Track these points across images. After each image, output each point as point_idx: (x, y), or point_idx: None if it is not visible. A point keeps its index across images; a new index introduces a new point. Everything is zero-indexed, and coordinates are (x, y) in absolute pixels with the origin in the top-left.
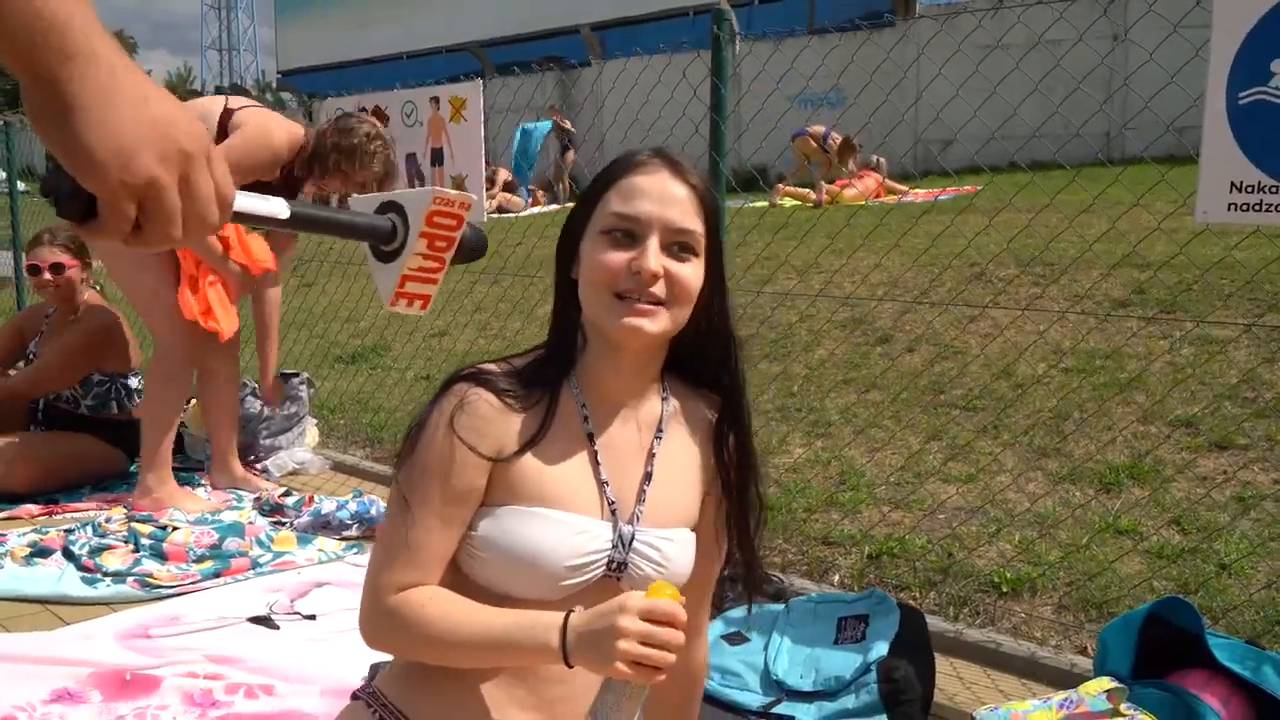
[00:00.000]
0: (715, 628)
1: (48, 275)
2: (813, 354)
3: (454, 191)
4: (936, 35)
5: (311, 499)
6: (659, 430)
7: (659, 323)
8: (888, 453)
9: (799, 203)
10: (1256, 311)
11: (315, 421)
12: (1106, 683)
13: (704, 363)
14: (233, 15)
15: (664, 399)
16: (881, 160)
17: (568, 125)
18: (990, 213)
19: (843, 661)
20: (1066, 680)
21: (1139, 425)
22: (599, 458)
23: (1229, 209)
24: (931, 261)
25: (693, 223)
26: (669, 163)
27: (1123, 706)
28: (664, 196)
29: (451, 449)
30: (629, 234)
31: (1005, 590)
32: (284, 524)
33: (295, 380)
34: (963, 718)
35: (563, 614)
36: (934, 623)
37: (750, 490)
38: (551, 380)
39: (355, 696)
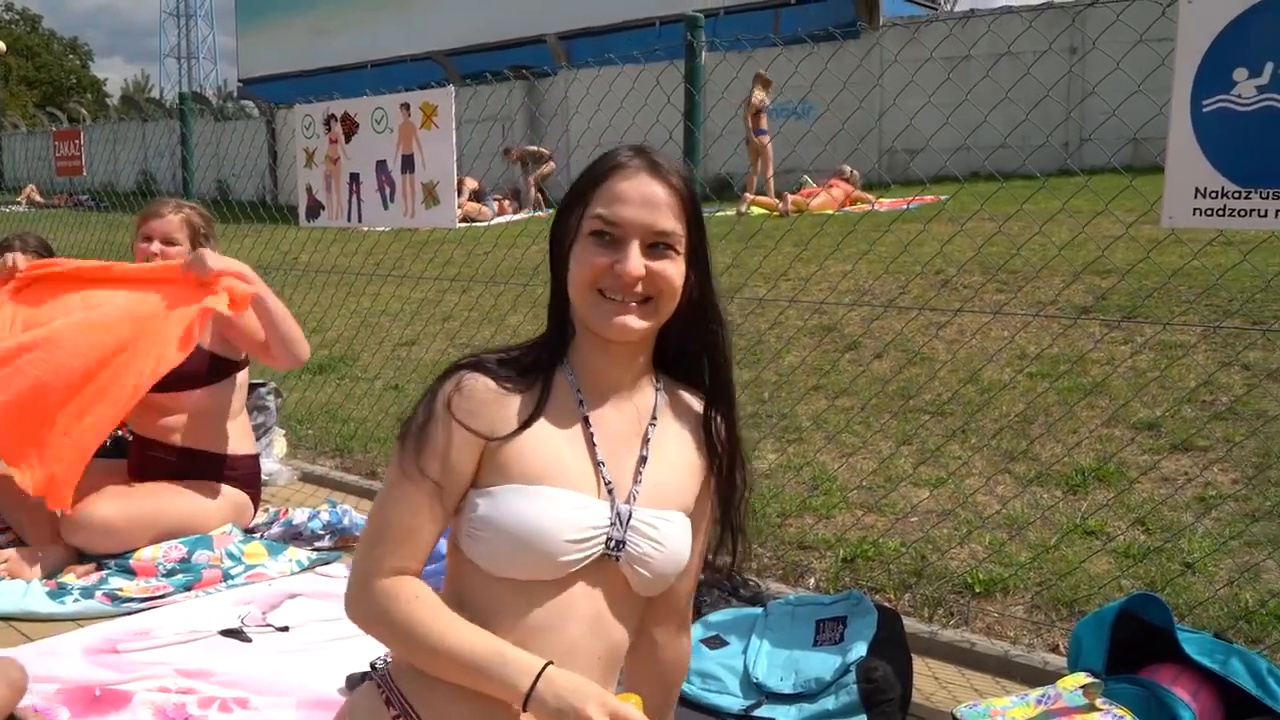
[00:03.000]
0: (695, 632)
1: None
2: (783, 361)
3: None
4: (904, 47)
5: (285, 511)
6: (653, 417)
7: (643, 320)
8: (860, 457)
9: (767, 212)
10: (1214, 317)
11: (283, 432)
12: (1082, 678)
13: (692, 352)
14: (192, 23)
15: (656, 389)
16: (855, 172)
17: (539, 149)
18: (956, 221)
19: (822, 663)
20: (1040, 678)
21: (1103, 428)
22: (594, 439)
23: (1194, 214)
24: (899, 269)
25: (673, 223)
26: (650, 164)
27: (1098, 701)
28: (645, 200)
29: (448, 430)
30: (612, 237)
31: (978, 591)
32: (255, 535)
33: (262, 390)
34: (940, 716)
35: (541, 664)
36: (909, 624)
37: (737, 473)
38: (546, 365)
39: (367, 677)
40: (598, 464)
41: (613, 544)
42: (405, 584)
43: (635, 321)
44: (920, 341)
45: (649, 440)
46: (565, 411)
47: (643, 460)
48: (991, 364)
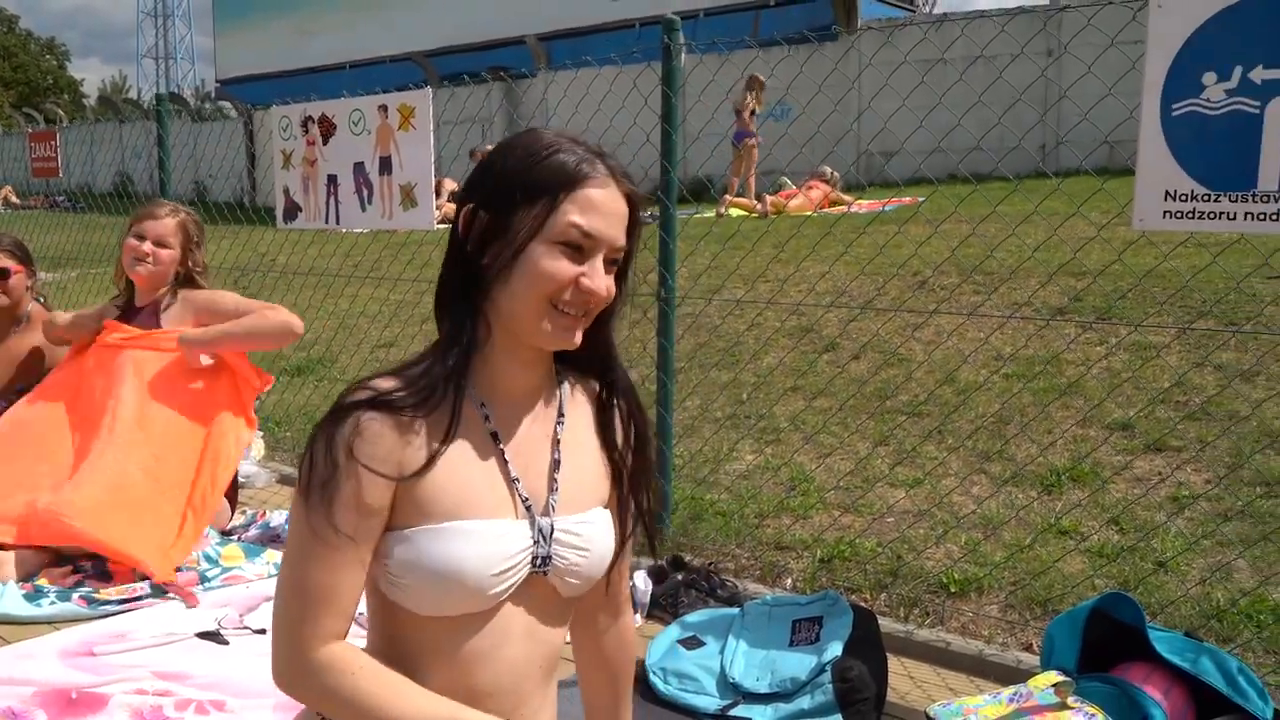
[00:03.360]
0: (671, 632)
1: None
2: (761, 362)
3: None
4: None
5: (264, 514)
6: (560, 414)
7: (582, 331)
8: (837, 458)
9: (745, 213)
10: (1187, 318)
11: (261, 434)
12: (1054, 676)
13: (597, 346)
14: (169, 23)
15: (559, 382)
16: (835, 173)
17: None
18: (932, 223)
19: (798, 663)
20: (1013, 676)
21: (1078, 429)
22: (505, 455)
23: (1164, 216)
24: (877, 270)
25: (624, 239)
26: (615, 173)
27: (1070, 699)
28: (613, 213)
29: (356, 478)
30: (580, 248)
31: (953, 590)
32: (233, 537)
33: None
34: (915, 716)
35: None
36: (885, 623)
37: (648, 445)
38: (450, 387)
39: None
40: (512, 481)
41: (538, 560)
42: (342, 656)
43: (577, 335)
44: (897, 342)
45: (559, 441)
46: (473, 434)
47: (556, 464)
48: (967, 365)
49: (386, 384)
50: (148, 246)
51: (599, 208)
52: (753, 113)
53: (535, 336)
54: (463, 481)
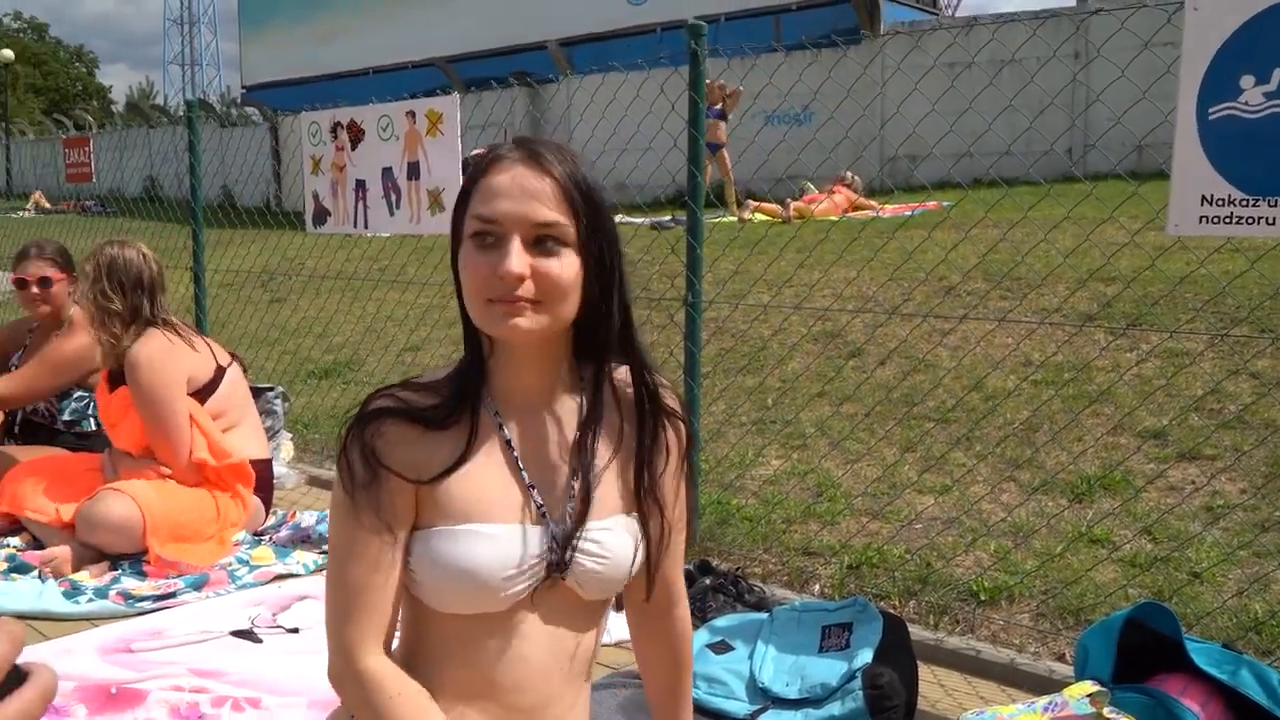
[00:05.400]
0: (700, 636)
1: (35, 290)
2: (787, 367)
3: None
4: (907, 54)
5: (294, 514)
6: (581, 421)
7: (535, 321)
8: (864, 464)
9: (769, 218)
10: (1222, 325)
11: (290, 436)
12: (1089, 686)
13: (604, 345)
14: (195, 30)
15: (583, 390)
16: (856, 177)
17: None
18: (960, 228)
19: (828, 668)
20: (1045, 686)
21: (1109, 436)
22: (520, 463)
23: (1200, 221)
24: (903, 276)
25: (556, 214)
26: (529, 154)
27: (1105, 710)
28: (523, 192)
29: (386, 479)
30: (494, 237)
31: (983, 598)
32: (263, 539)
33: (270, 395)
34: None
35: None
36: (914, 631)
37: (682, 452)
38: (467, 395)
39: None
40: (527, 489)
41: (553, 566)
42: (387, 676)
43: (524, 324)
44: (924, 349)
45: (579, 448)
46: (489, 440)
47: (574, 473)
48: (996, 371)
49: (409, 392)
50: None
51: (500, 191)
52: (724, 117)
53: (492, 330)
54: (479, 487)
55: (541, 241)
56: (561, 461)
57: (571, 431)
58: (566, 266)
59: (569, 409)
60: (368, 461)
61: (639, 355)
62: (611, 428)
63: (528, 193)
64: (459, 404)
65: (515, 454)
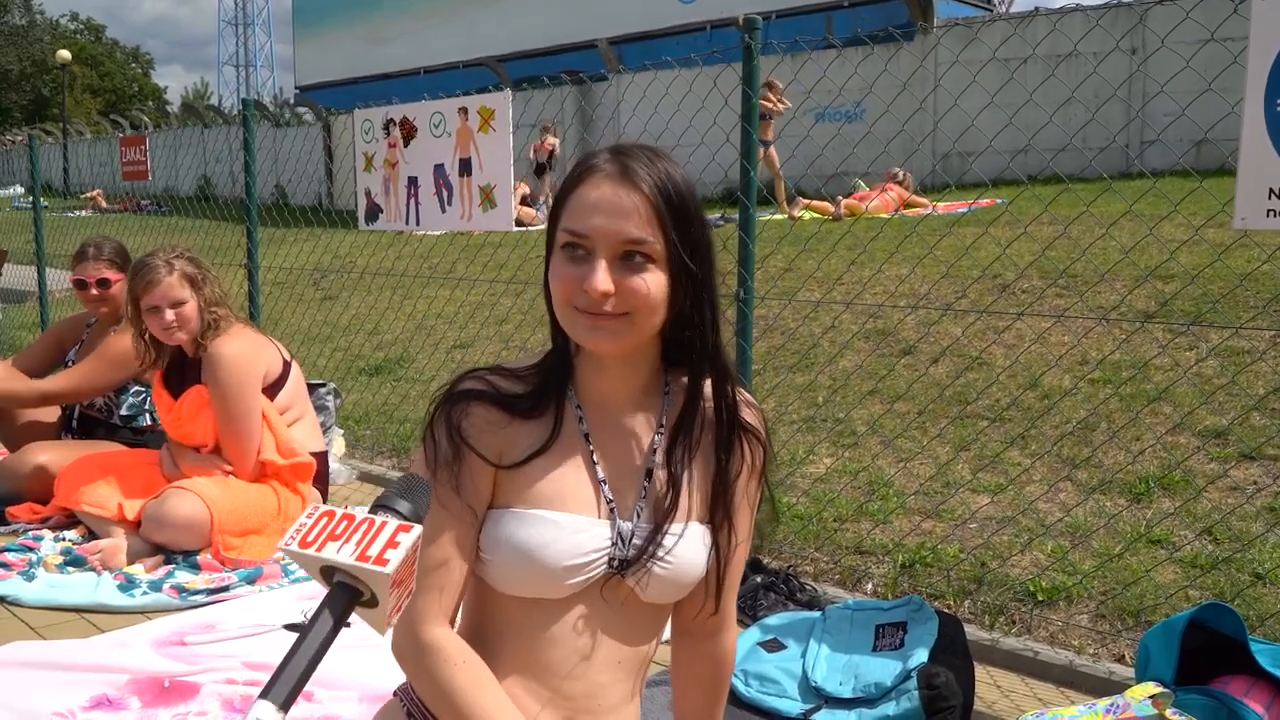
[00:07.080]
0: (752, 634)
1: (94, 290)
2: (838, 365)
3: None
4: (964, 48)
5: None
6: (660, 427)
7: (620, 335)
8: (917, 463)
9: (819, 215)
10: None
11: (342, 432)
12: (1151, 688)
13: (692, 353)
14: (249, 31)
15: (665, 394)
16: (907, 174)
17: (547, 146)
18: (1015, 225)
19: (882, 668)
20: (1105, 688)
21: (1169, 436)
22: (595, 457)
23: (1268, 215)
24: (956, 274)
25: (645, 231)
26: (620, 169)
27: (1168, 712)
28: (614, 209)
29: (469, 458)
30: (583, 250)
31: (1041, 599)
32: None
33: (322, 390)
34: None
35: None
36: (970, 631)
37: (759, 472)
38: (551, 387)
39: (395, 694)
40: (599, 483)
41: (616, 563)
42: (451, 646)
43: (609, 338)
44: (978, 347)
45: (655, 452)
46: (569, 432)
47: (648, 474)
48: (1052, 370)
49: (498, 378)
50: (170, 315)
51: (590, 206)
52: (768, 118)
53: (576, 339)
54: (554, 477)
55: (629, 256)
56: (637, 462)
57: (650, 432)
58: (653, 282)
59: (651, 413)
60: (452, 439)
61: (723, 367)
62: (692, 437)
63: (617, 209)
64: (545, 396)
65: (592, 449)
